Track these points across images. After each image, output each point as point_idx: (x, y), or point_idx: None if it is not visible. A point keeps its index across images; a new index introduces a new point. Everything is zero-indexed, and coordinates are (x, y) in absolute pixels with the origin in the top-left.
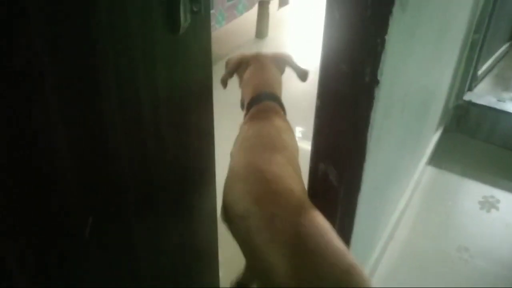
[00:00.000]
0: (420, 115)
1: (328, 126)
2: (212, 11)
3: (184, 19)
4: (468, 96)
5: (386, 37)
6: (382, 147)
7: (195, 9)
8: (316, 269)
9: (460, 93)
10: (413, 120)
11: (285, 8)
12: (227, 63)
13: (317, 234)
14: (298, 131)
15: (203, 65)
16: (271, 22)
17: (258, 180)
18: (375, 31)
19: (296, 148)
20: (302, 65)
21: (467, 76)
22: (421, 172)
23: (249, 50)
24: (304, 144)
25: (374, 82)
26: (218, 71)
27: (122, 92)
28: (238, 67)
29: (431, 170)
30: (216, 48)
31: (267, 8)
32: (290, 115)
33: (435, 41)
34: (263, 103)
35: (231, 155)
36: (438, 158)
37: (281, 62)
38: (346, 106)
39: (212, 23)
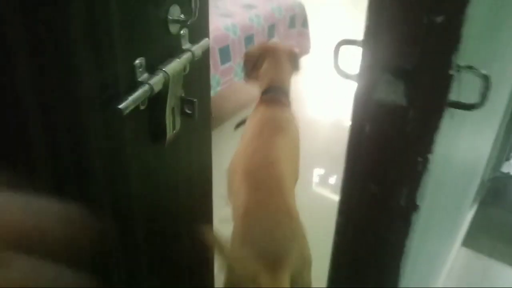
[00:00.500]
0: (458, 196)
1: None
2: (229, 63)
3: (171, 126)
4: (506, 167)
5: (430, 156)
6: (417, 270)
7: (188, 111)
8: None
9: (498, 164)
10: (451, 204)
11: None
12: (246, 55)
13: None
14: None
15: (197, 181)
16: None
17: (258, 161)
18: (417, 149)
19: (296, 136)
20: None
21: (505, 145)
22: (455, 257)
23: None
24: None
25: (412, 207)
26: (222, 134)
27: None
28: (257, 61)
29: (465, 253)
30: (216, 110)
31: None
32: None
33: (477, 122)
34: (271, 95)
35: (242, 136)
36: (474, 238)
37: (294, 58)
38: (373, 233)
39: (230, 76)
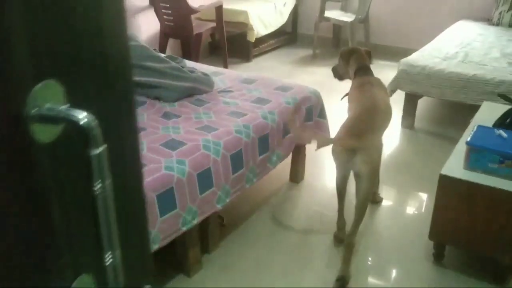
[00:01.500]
0: None
1: None
2: (242, 170)
3: None
4: None
5: None
6: None
7: None
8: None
9: None
10: None
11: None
12: (341, 54)
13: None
14: None
15: None
16: (308, 163)
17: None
18: None
19: (386, 92)
20: None
21: None
22: None
23: (283, 196)
24: None
25: None
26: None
27: None
28: (349, 58)
29: None
30: (245, 204)
31: (304, 149)
32: None
33: None
34: (363, 70)
35: (348, 98)
36: None
37: (369, 54)
38: None
39: (242, 183)
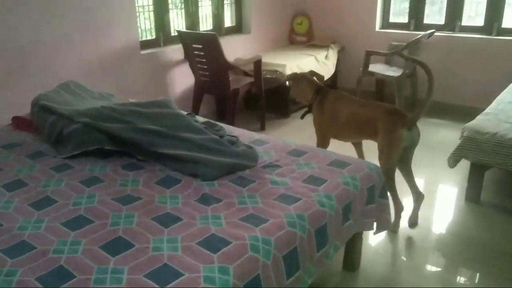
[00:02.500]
0: None
1: None
2: (298, 273)
3: None
4: None
5: None
6: None
7: None
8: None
9: None
10: None
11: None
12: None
13: None
14: None
15: None
16: (366, 250)
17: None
18: None
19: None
20: None
21: None
22: None
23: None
24: None
25: None
26: None
27: None
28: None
29: None
30: None
31: (361, 232)
32: None
33: None
34: (323, 88)
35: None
36: None
37: (314, 73)
38: None
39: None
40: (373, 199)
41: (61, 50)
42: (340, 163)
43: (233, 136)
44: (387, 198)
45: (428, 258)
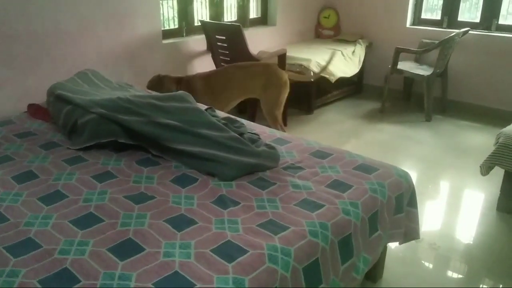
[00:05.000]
0: None
1: None
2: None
3: None
4: None
5: None
6: None
7: None
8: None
9: None
10: None
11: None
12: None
13: None
14: None
15: None
16: (388, 259)
17: None
18: None
19: None
20: None
21: None
22: None
23: None
24: None
25: None
26: None
27: None
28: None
29: None
30: None
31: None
32: None
33: None
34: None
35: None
36: None
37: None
38: None
39: None
40: (401, 208)
41: (81, 38)
42: (367, 167)
43: (254, 133)
44: (415, 206)
45: (453, 269)
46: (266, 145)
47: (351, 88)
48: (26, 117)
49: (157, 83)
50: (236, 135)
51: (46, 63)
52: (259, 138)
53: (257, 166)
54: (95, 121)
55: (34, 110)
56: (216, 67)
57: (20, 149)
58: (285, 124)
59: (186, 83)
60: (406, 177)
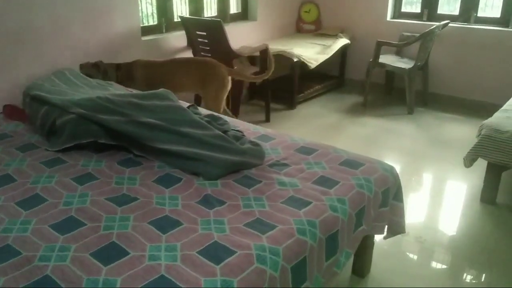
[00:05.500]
0: None
1: None
2: (304, 284)
3: None
4: None
5: None
6: None
7: None
8: None
9: None
10: None
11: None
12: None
13: None
14: None
15: None
16: (375, 254)
17: None
18: None
19: None
20: None
21: None
22: None
23: None
24: None
25: None
26: None
27: None
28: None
29: None
30: None
31: (372, 237)
32: None
33: None
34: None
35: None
36: None
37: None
38: None
39: None
40: (386, 202)
41: (56, 35)
42: (352, 163)
43: (238, 131)
44: (401, 200)
45: (439, 261)
46: (251, 142)
47: (333, 82)
48: (1, 118)
49: (92, 66)
50: (220, 132)
51: (21, 62)
52: (243, 136)
53: (242, 164)
54: (74, 121)
55: (10, 111)
56: None
57: None
58: (236, 114)
59: (126, 69)
60: (392, 171)
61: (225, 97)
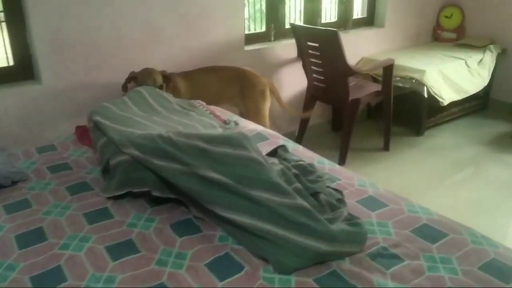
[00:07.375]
0: None
1: None
2: None
3: None
4: None
5: None
6: None
7: None
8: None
9: None
10: None
11: None
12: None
13: None
14: None
15: None
16: None
17: None
18: None
19: None
20: None
21: None
22: None
23: None
24: None
25: None
26: None
27: None
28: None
29: None
30: None
31: None
32: None
33: None
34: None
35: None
36: None
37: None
38: None
39: None
40: None
41: (147, 43)
42: (504, 269)
43: (337, 190)
44: None
45: None
46: (349, 217)
47: (474, 104)
48: (71, 141)
49: (148, 75)
50: (305, 204)
51: (105, 73)
52: (342, 200)
53: (331, 255)
54: (127, 164)
55: (81, 134)
56: (307, 78)
57: (44, 190)
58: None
59: (173, 80)
60: None
61: (267, 111)
